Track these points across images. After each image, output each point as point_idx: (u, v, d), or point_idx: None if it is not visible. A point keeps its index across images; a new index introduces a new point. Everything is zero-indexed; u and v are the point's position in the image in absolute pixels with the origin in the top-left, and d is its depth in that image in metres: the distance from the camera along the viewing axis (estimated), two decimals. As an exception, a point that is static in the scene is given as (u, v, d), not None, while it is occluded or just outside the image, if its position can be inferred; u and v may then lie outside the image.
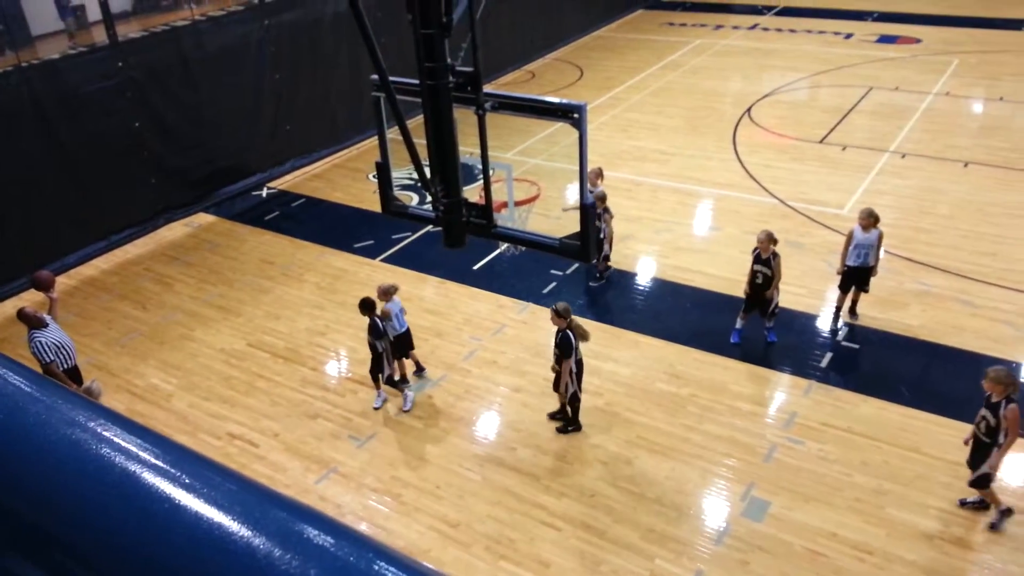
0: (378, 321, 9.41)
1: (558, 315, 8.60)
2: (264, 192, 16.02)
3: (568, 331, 8.61)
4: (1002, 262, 11.80)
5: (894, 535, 7.64)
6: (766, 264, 9.90)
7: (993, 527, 7.66)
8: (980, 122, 17.36)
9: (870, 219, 10.00)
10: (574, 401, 9.01)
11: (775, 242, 9.93)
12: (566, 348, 8.64)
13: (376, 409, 9.77)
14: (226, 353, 11.01)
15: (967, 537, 7.56)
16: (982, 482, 7.54)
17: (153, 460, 1.25)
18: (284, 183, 16.37)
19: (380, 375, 9.61)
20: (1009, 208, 13.35)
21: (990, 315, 10.65)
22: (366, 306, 9.43)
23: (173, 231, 14.58)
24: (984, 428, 7.43)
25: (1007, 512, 7.67)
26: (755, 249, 9.98)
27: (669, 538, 7.76)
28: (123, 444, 1.27)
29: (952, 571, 7.25)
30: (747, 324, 10.44)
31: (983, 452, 7.46)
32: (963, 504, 7.88)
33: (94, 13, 13.61)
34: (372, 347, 9.53)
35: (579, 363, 8.84)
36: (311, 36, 16.26)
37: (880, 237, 10.12)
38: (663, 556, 7.57)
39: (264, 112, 15.81)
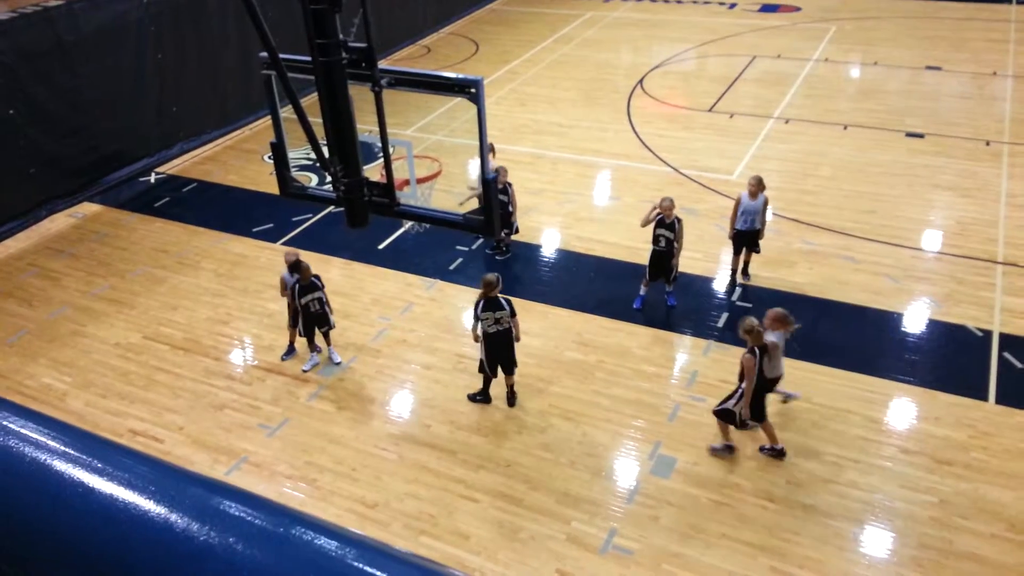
0: (314, 280, 9.68)
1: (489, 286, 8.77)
2: (152, 178, 15.38)
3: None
4: (881, 218, 12.53)
5: (793, 481, 8.09)
6: (670, 228, 10.21)
7: (713, 450, 8.45)
8: (857, 86, 18.27)
9: (758, 186, 10.45)
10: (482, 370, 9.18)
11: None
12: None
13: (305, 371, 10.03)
14: (122, 347, 10.60)
15: (859, 480, 8.07)
16: (724, 415, 8.25)
17: (63, 448, 1.24)
18: (173, 167, 15.75)
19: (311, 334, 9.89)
20: (886, 167, 14.16)
21: (872, 269, 11.32)
22: (300, 267, 9.58)
23: (56, 223, 13.84)
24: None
25: (730, 448, 8.45)
26: (657, 214, 10.26)
27: (583, 500, 7.99)
28: (30, 435, 1.26)
29: (847, 512, 7.74)
30: (649, 290, 10.76)
31: (732, 392, 8.26)
32: (713, 451, 8.47)
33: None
34: (305, 308, 9.66)
35: (485, 334, 8.94)
36: (195, 14, 15.60)
37: (766, 202, 10.60)
38: (578, 518, 7.80)
39: (148, 94, 15.12)
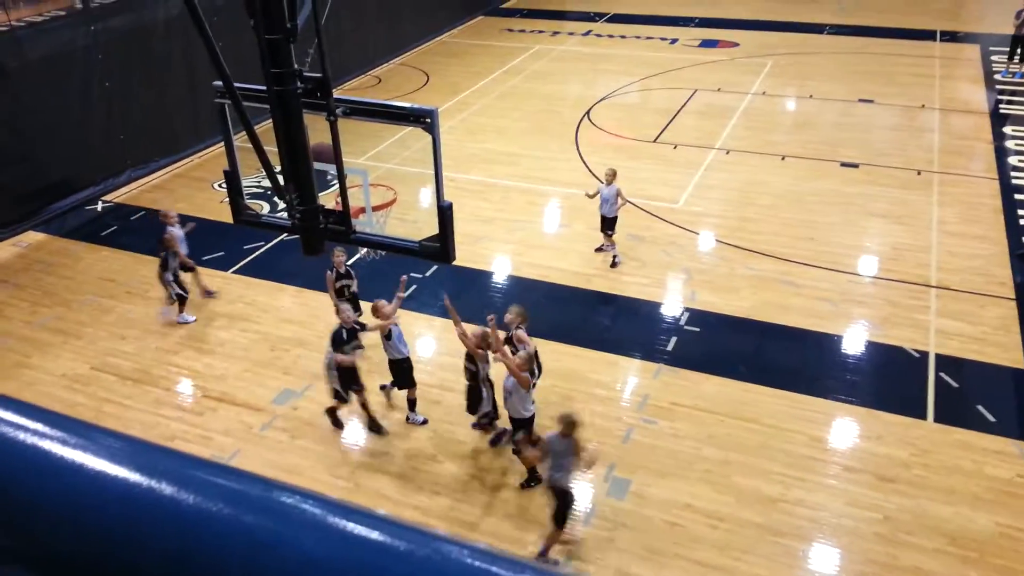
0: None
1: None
2: (99, 206, 15.14)
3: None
4: (819, 245, 13.00)
5: (742, 501, 8.30)
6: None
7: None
8: (794, 118, 18.97)
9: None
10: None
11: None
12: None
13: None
14: (68, 379, 10.38)
15: (806, 498, 8.32)
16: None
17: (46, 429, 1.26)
18: (121, 196, 15.53)
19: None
20: (822, 195, 14.71)
21: (811, 294, 11.72)
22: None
23: (-2, 252, 13.53)
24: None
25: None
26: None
27: (540, 523, 8.06)
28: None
29: (795, 529, 7.97)
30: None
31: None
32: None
33: None
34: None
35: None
36: (143, 42, 15.53)
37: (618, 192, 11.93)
38: (536, 542, 7.87)
39: (94, 122, 14.94)
